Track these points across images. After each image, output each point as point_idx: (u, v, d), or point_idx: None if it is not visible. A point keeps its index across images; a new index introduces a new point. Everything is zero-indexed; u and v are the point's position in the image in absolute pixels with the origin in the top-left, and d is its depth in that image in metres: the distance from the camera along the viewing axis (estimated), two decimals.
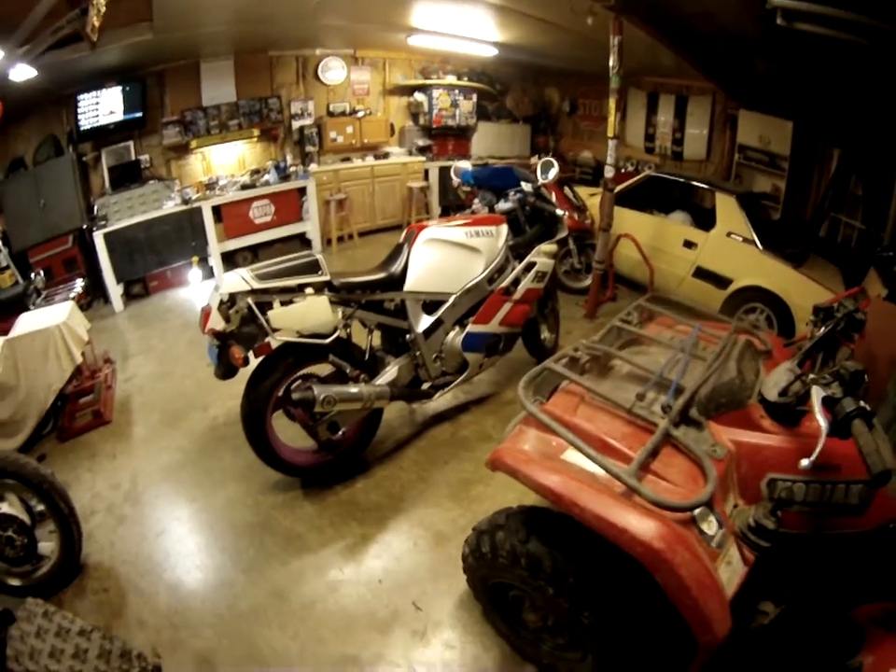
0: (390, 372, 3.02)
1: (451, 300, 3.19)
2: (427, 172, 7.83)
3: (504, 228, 3.45)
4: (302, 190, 6.77)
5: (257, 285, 2.53)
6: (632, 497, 1.43)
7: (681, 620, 1.38)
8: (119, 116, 5.72)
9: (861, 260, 4.37)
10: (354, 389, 2.75)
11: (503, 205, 3.61)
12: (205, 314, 2.55)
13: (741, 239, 4.59)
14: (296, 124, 7.09)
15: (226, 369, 2.60)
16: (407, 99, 7.99)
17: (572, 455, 1.62)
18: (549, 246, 3.62)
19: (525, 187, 3.61)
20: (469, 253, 3.24)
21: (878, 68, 3.34)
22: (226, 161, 6.75)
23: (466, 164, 4.09)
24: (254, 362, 2.69)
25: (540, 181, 3.61)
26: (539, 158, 5.64)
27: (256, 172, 6.68)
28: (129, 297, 5.76)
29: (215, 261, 6.18)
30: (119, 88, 5.62)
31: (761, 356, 2.16)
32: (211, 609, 2.33)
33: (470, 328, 3.26)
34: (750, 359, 2.01)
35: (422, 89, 7.82)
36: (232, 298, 2.53)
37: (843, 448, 1.36)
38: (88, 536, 2.60)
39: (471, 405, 3.73)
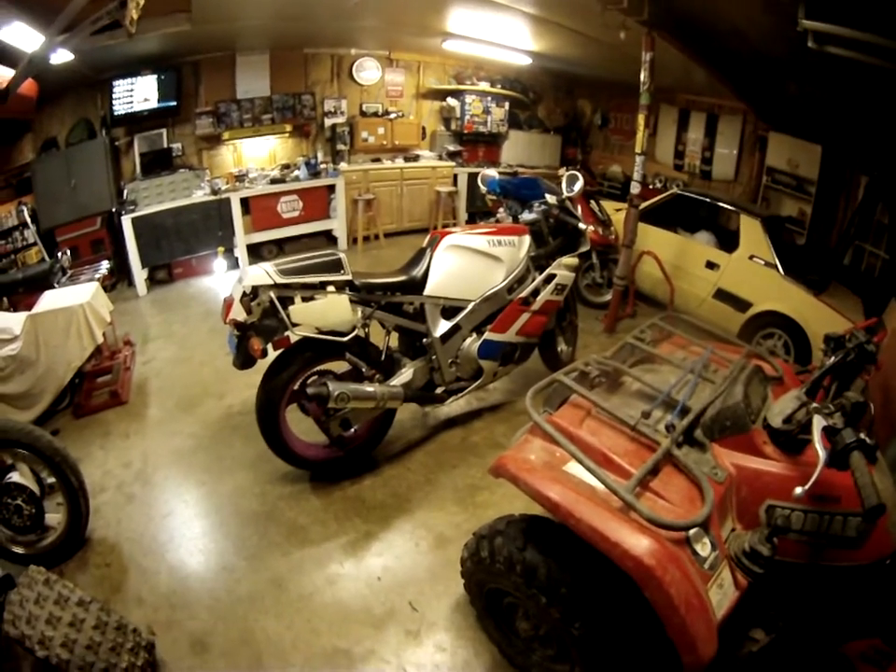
0: (405, 374, 3.04)
1: (470, 306, 3.21)
2: (455, 177, 7.86)
3: (527, 238, 3.47)
4: (331, 188, 6.85)
5: (280, 279, 2.57)
6: (628, 513, 1.44)
7: (669, 638, 1.38)
8: (153, 103, 5.84)
9: (884, 291, 4.32)
10: (368, 388, 2.78)
11: (527, 216, 3.61)
12: (227, 304, 2.60)
13: (763, 263, 4.56)
14: (328, 122, 7.19)
15: (244, 359, 2.65)
16: (440, 103, 8.05)
17: (574, 468, 1.62)
18: (570, 259, 3.62)
19: (550, 199, 3.61)
20: (490, 261, 3.26)
21: None
22: (257, 155, 6.85)
23: (493, 173, 4.10)
24: (272, 354, 2.73)
25: (565, 194, 3.61)
26: (567, 170, 5.64)
27: (286, 167, 6.78)
28: (153, 282, 5.88)
29: (240, 253, 6.28)
30: (155, 76, 5.74)
31: (770, 381, 2.14)
32: (210, 593, 2.37)
33: (487, 335, 3.27)
34: (758, 384, 2.00)
35: (455, 94, 7.87)
36: (255, 290, 2.58)
37: (844, 480, 1.35)
38: (95, 511, 2.66)
39: (484, 412, 3.74)
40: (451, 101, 7.88)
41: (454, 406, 3.52)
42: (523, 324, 3.41)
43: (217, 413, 3.68)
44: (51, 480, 2.44)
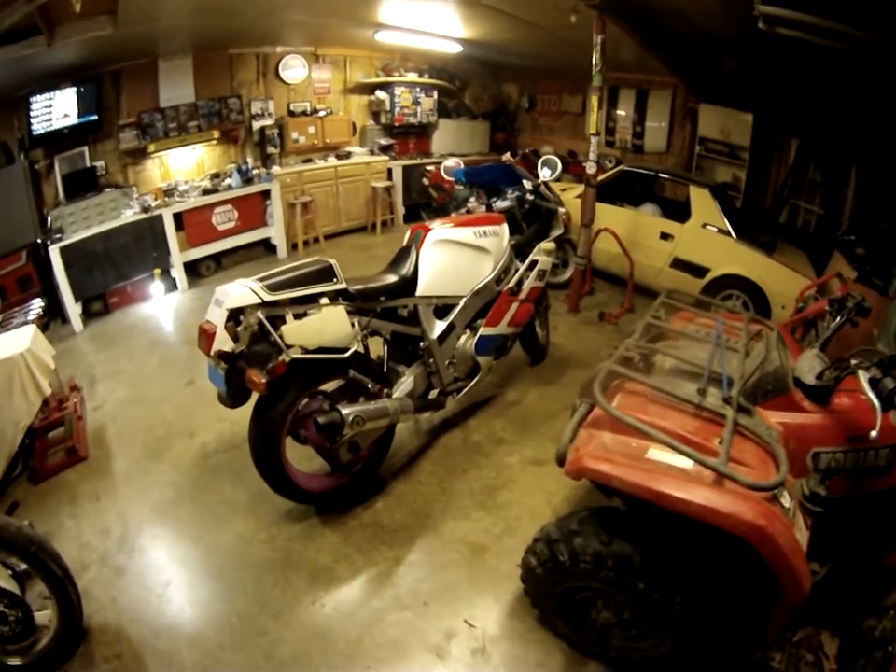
0: (406, 383, 2.85)
1: (462, 302, 3.07)
2: (390, 171, 7.66)
3: (505, 227, 3.37)
4: (266, 194, 6.44)
5: (268, 296, 2.28)
6: (722, 484, 1.53)
7: (755, 586, 1.60)
8: (73, 119, 5.24)
9: (823, 244, 4.60)
10: (380, 405, 2.56)
11: (501, 204, 3.52)
12: (208, 333, 2.25)
13: (716, 229, 4.75)
14: (256, 125, 6.77)
15: (237, 395, 2.36)
16: (368, 97, 7.79)
17: (655, 454, 1.66)
18: (548, 244, 3.60)
19: (527, 184, 3.53)
20: (478, 253, 3.13)
21: (839, 64, 3.51)
22: (184, 166, 6.34)
23: (455, 162, 3.97)
24: None
25: (542, 178, 3.54)
26: (516, 155, 5.59)
27: (216, 176, 6.29)
28: (88, 315, 5.25)
29: (178, 273, 5.78)
30: (74, 88, 5.15)
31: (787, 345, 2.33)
32: (247, 663, 2.08)
33: (483, 330, 3.16)
34: (782, 349, 2.18)
35: (384, 87, 7.64)
36: (237, 313, 2.28)
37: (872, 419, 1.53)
38: (85, 594, 2.21)
39: (476, 409, 3.62)
40: (380, 94, 7.64)
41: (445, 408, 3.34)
42: (513, 314, 3.34)
43: (192, 455, 3.29)
44: (23, 566, 2.04)
